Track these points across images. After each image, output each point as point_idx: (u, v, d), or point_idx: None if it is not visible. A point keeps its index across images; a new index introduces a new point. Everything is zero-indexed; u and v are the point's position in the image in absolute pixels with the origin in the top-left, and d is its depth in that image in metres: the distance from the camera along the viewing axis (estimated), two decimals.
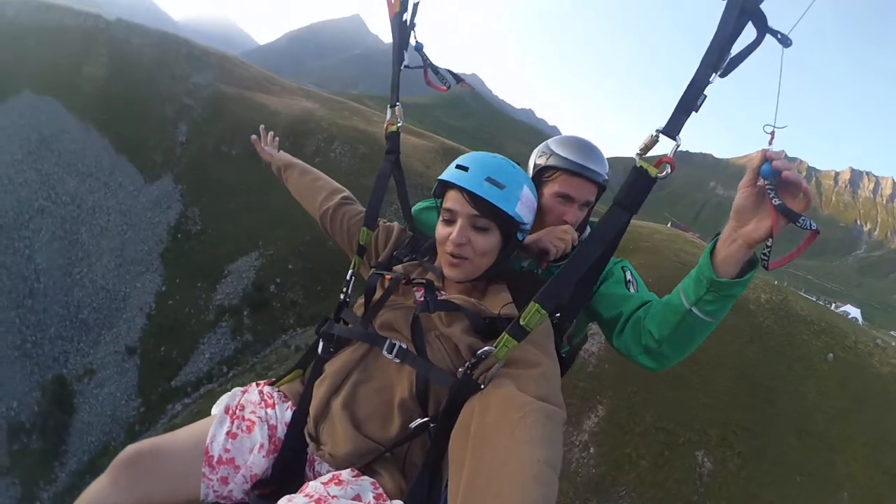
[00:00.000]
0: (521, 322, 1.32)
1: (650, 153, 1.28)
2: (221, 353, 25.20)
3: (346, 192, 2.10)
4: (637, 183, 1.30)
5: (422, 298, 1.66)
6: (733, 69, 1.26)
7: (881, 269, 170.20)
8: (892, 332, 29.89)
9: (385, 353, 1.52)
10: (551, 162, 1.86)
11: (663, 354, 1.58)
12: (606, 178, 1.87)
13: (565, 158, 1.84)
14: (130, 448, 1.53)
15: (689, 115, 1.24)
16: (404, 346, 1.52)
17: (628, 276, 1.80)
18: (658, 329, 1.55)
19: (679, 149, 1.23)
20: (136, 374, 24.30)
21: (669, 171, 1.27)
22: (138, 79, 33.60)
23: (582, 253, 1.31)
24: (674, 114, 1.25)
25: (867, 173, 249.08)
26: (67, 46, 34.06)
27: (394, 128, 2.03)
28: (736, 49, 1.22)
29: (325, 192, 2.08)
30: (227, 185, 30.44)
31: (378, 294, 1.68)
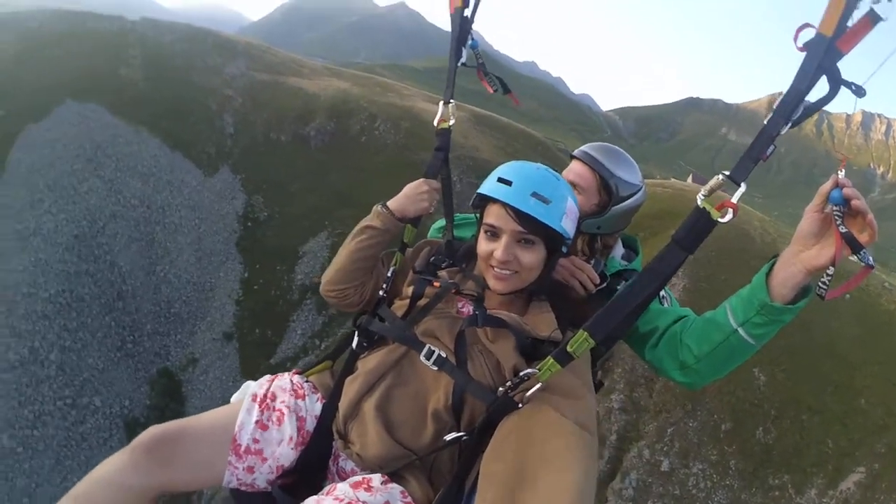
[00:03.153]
0: (569, 349, 1.33)
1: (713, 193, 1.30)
2: (311, 328, 25.98)
3: None
4: (698, 223, 1.29)
5: (465, 308, 1.68)
6: (803, 120, 1.27)
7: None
8: None
9: (423, 359, 1.52)
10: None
11: (699, 372, 1.57)
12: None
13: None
14: (153, 430, 1.52)
15: (756, 164, 1.24)
16: (443, 354, 1.52)
17: (662, 292, 1.76)
18: (698, 345, 1.54)
19: (735, 189, 1.29)
20: (237, 357, 25.16)
21: (732, 216, 1.25)
22: (175, 75, 33.68)
23: (637, 287, 1.33)
24: (742, 160, 1.27)
25: (879, 115, 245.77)
26: (99, 51, 34.02)
27: (446, 125, 2.02)
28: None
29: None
30: (284, 171, 30.89)
31: (424, 301, 1.69)
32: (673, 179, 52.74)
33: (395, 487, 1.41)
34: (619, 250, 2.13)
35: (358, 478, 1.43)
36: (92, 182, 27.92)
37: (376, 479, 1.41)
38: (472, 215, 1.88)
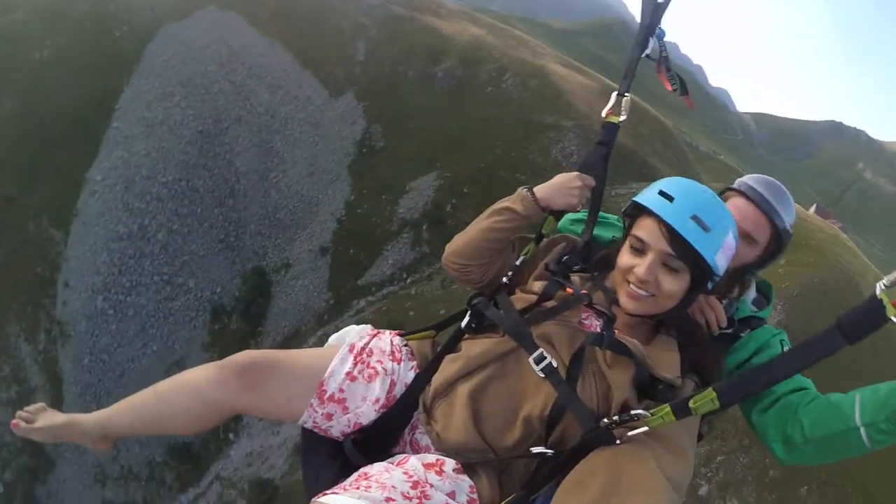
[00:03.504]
0: (691, 404, 1.24)
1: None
2: (402, 260, 25.62)
3: None
4: (869, 315, 1.16)
5: (588, 321, 1.55)
6: None
7: None
8: None
9: (531, 362, 1.42)
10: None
11: (803, 453, 1.48)
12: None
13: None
14: (249, 354, 1.55)
15: None
16: (555, 364, 1.41)
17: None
18: (811, 426, 1.44)
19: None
20: (328, 271, 25.08)
21: None
22: None
23: (783, 364, 1.24)
24: None
25: None
26: None
27: (615, 119, 1.84)
28: None
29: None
30: (405, 106, 30.35)
31: (551, 303, 1.57)
32: (795, 204, 48.20)
33: (465, 480, 1.38)
34: (751, 293, 1.96)
35: (432, 458, 1.41)
36: (222, 85, 28.57)
37: (449, 465, 1.39)
38: (614, 216, 1.90)
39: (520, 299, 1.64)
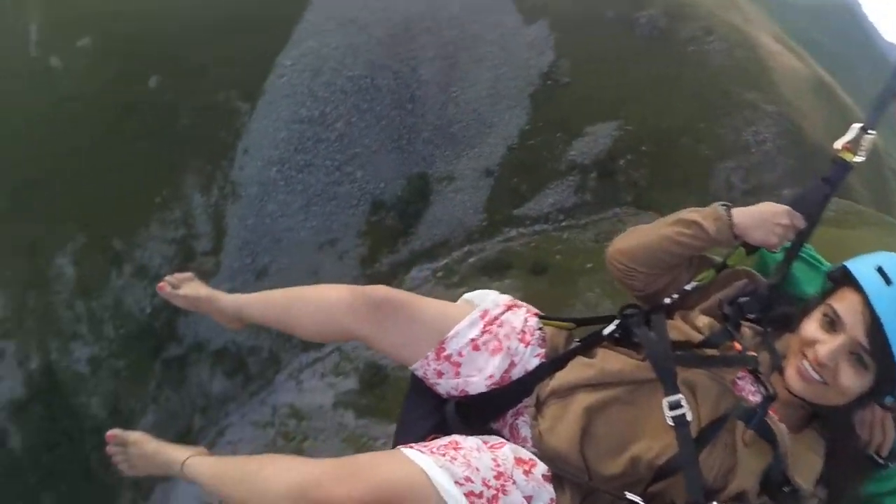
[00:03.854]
0: None
1: None
2: (562, 202, 24.67)
3: None
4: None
5: (742, 384, 1.38)
6: None
7: None
8: None
9: (665, 404, 1.30)
10: None
11: None
12: None
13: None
14: (385, 291, 1.55)
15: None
16: (689, 417, 1.29)
17: None
18: None
19: None
20: (488, 192, 24.71)
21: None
22: None
23: None
24: None
25: None
26: None
27: (850, 156, 1.56)
28: None
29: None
30: (599, 47, 28.63)
31: (711, 351, 1.40)
32: None
33: (548, 490, 1.31)
34: None
35: (526, 455, 1.35)
36: None
37: (540, 468, 1.33)
38: (819, 260, 1.66)
39: (677, 329, 1.45)
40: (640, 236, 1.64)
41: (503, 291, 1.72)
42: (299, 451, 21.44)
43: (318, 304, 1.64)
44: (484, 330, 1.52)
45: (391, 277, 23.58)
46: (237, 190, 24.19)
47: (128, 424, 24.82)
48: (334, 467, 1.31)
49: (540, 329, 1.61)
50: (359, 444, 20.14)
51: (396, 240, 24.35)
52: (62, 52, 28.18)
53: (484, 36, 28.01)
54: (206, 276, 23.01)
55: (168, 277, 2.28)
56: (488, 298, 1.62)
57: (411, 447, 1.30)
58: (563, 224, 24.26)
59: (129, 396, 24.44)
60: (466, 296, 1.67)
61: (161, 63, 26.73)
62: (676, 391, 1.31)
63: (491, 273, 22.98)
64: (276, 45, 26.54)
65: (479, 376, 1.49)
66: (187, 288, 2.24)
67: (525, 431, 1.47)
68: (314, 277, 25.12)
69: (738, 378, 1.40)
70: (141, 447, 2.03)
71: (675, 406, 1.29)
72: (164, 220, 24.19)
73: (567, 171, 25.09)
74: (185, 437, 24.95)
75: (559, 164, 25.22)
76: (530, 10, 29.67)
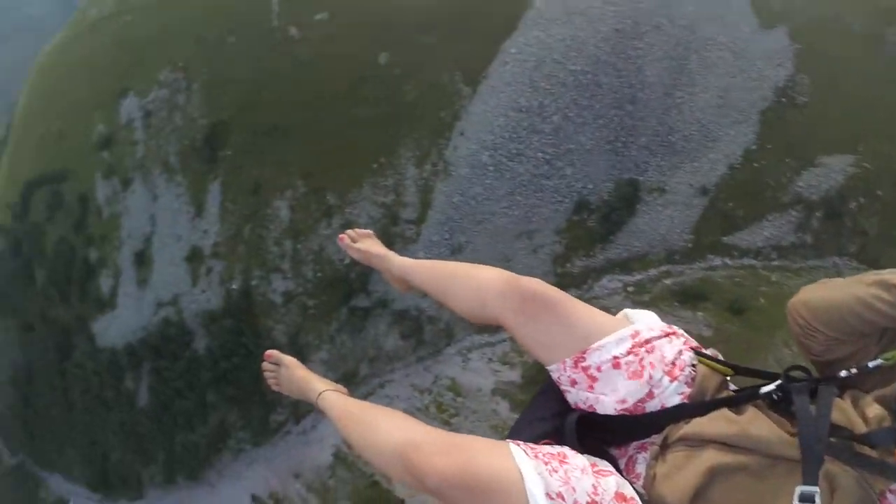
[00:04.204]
0: None
1: None
2: (778, 239, 22.53)
3: None
4: None
5: (892, 500, 1.25)
6: None
7: None
8: None
9: (796, 494, 1.18)
10: None
11: None
12: None
13: None
14: (540, 287, 1.53)
15: None
16: None
17: None
18: None
19: None
20: (699, 212, 23.35)
21: None
22: None
23: None
24: None
25: None
26: None
27: None
28: None
29: None
30: (842, 66, 25.57)
31: (869, 451, 1.24)
32: None
33: None
34: None
35: (629, 493, 1.27)
36: None
37: None
38: None
39: (842, 411, 1.28)
40: (830, 291, 1.49)
41: (695, 323, 1.60)
42: (446, 424, 22.70)
43: (473, 283, 1.66)
44: (630, 350, 1.44)
45: (581, 281, 23.55)
46: (448, 168, 25.00)
47: (302, 355, 27.51)
48: (440, 438, 1.35)
49: (693, 366, 1.49)
50: (503, 436, 20.86)
51: (594, 244, 23.96)
52: (300, 24, 30.03)
53: (717, 39, 26.00)
54: (405, 243, 24.63)
55: (349, 231, 2.47)
56: (646, 319, 1.54)
57: (518, 444, 1.30)
58: (775, 264, 22.53)
59: (310, 332, 26.95)
60: (627, 311, 1.59)
61: (392, 41, 27.85)
62: (815, 482, 1.18)
63: (684, 300, 22.11)
64: (504, 31, 26.56)
65: (611, 397, 1.43)
66: (364, 243, 2.43)
67: (641, 468, 1.40)
68: (506, 264, 25.38)
69: (890, 491, 1.26)
70: (291, 370, 2.20)
71: (807, 498, 1.18)
72: (376, 185, 25.83)
73: (790, 204, 23.05)
74: (349, 379, 27.22)
75: (783, 194, 23.18)
76: (768, 13, 27.05)
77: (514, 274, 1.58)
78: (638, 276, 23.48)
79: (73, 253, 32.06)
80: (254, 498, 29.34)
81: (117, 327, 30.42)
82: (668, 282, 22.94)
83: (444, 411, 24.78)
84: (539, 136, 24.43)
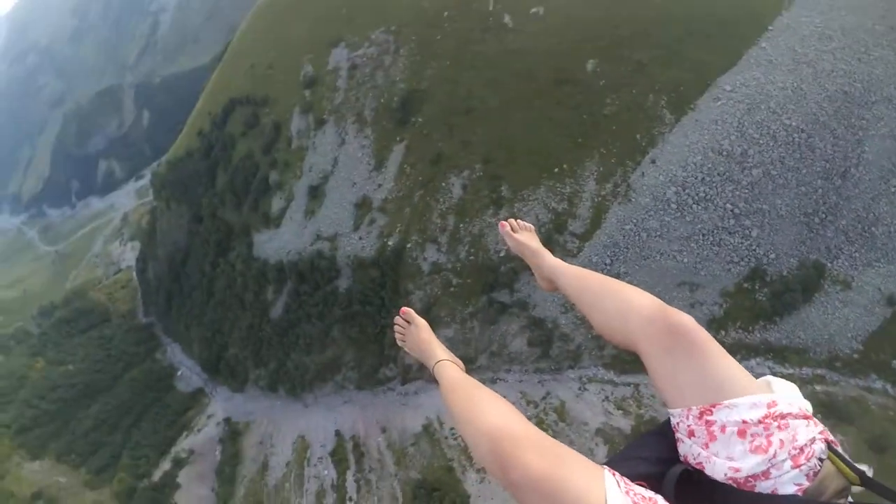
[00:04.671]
0: None
1: None
2: None
3: None
4: None
5: None
6: None
7: None
8: None
9: None
10: None
11: None
12: None
13: None
14: (688, 322, 1.42)
15: None
16: None
17: None
18: None
19: None
20: (878, 324, 21.43)
21: None
22: None
23: None
24: None
25: None
26: None
27: None
28: None
29: None
30: None
31: None
32: None
33: None
34: None
35: None
36: (885, 52, 25.06)
37: None
38: None
39: None
40: None
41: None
42: None
43: (623, 299, 1.61)
44: (762, 420, 1.32)
45: (730, 353, 22.70)
46: (630, 193, 24.75)
47: (430, 326, 28.89)
48: (539, 438, 1.34)
49: (821, 459, 1.34)
50: None
51: (756, 320, 22.57)
52: (515, 13, 31.47)
53: None
54: (564, 254, 24.45)
55: (511, 220, 2.51)
56: (788, 391, 1.42)
57: (614, 474, 1.24)
58: None
59: (444, 308, 28.11)
60: (770, 378, 1.48)
61: (603, 50, 27.98)
62: None
63: (827, 414, 20.57)
64: (722, 65, 25.72)
65: (725, 462, 1.33)
66: (523, 236, 2.48)
67: None
68: None
69: None
70: (419, 331, 2.31)
71: None
72: (553, 189, 26.10)
73: None
74: (466, 364, 28.22)
75: None
76: None
77: (666, 305, 1.52)
78: (789, 370, 22.19)
79: (256, 169, 35.38)
80: (337, 432, 31.59)
81: (275, 244, 33.31)
82: (818, 388, 21.11)
83: (543, 429, 25.08)
84: (733, 187, 23.40)
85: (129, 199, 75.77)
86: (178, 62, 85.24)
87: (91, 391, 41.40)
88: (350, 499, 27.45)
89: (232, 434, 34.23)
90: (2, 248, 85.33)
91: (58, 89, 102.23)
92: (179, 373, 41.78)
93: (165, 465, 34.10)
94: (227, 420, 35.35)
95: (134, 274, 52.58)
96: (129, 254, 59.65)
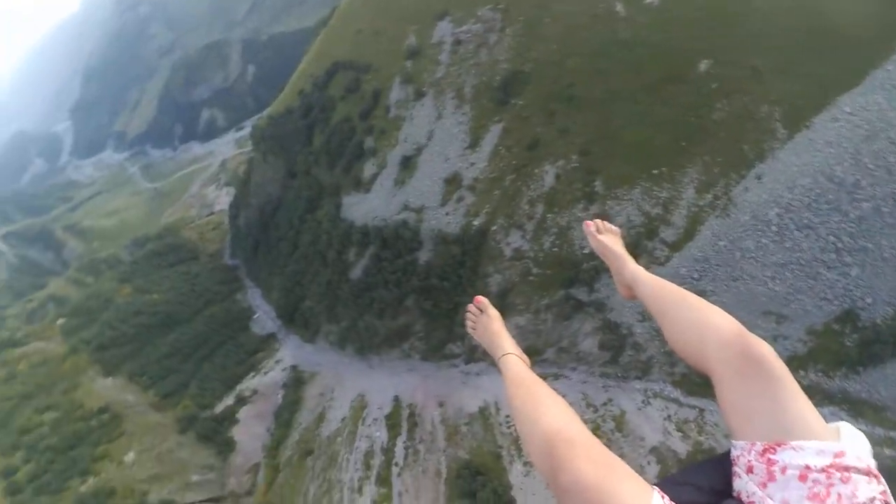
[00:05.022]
0: None
1: None
2: None
3: None
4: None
5: None
6: None
7: None
8: None
9: None
10: None
11: None
12: None
13: None
14: (768, 352, 1.39)
15: None
16: None
17: None
18: None
19: None
20: None
21: None
22: None
23: None
24: None
25: None
26: None
27: None
28: None
29: None
30: None
31: None
32: None
33: None
34: None
35: None
36: None
37: None
38: None
39: None
40: None
41: None
42: None
43: (701, 318, 1.57)
44: (826, 468, 1.25)
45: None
46: (729, 208, 23.94)
47: (502, 313, 29.19)
48: (594, 446, 1.34)
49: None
50: None
51: (839, 366, 21.41)
52: (629, 2, 30.36)
53: None
54: (650, 261, 24.14)
55: (597, 220, 2.52)
56: (858, 444, 1.34)
57: (664, 497, 1.22)
58: None
59: (520, 295, 28.28)
60: (842, 424, 1.41)
61: (719, 51, 26.86)
62: None
63: (890, 480, 18.82)
64: (844, 83, 24.21)
65: (774, 498, 1.26)
66: (607, 238, 2.48)
67: None
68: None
69: None
70: (491, 321, 2.37)
71: None
72: (649, 192, 25.58)
73: None
74: (531, 355, 28.14)
75: None
76: None
77: (746, 330, 1.48)
78: (862, 427, 19.79)
79: (352, 133, 36.58)
80: (396, 398, 32.61)
81: (363, 208, 34.49)
82: (887, 451, 19.80)
83: (598, 436, 25.02)
84: (840, 218, 22.17)
85: (229, 147, 79.85)
86: (284, 22, 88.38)
87: (171, 321, 44.40)
88: (396, 464, 28.36)
89: (296, 381, 36.12)
90: (104, 180, 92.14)
91: (167, 40, 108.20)
92: (256, 316, 44.28)
93: (229, 400, 36.47)
94: (294, 367, 37.27)
95: (226, 218, 55.70)
96: (223, 198, 63.19)
